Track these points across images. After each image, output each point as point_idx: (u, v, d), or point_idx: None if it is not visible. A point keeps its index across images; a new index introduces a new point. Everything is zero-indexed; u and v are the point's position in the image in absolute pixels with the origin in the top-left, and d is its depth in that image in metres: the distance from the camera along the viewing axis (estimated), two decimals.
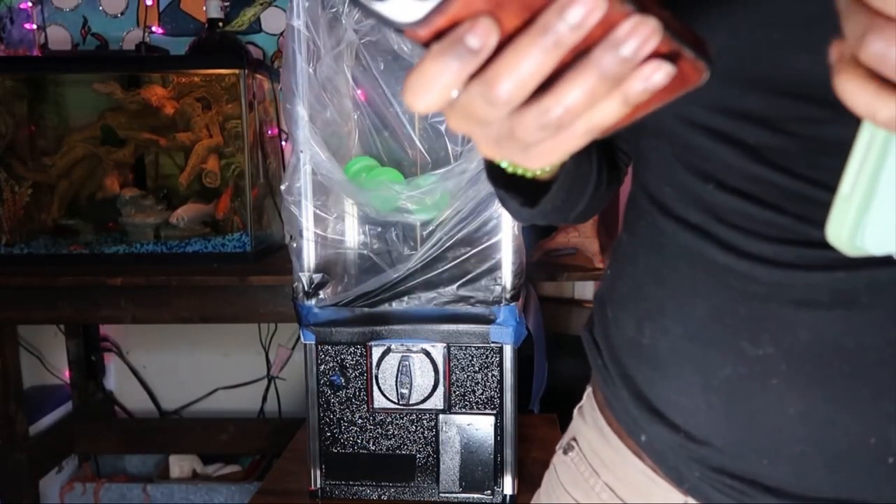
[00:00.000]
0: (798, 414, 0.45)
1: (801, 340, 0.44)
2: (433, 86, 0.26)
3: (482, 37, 0.25)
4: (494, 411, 1.14)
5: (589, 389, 0.64)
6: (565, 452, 0.64)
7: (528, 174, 0.41)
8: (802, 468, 0.46)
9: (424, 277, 1.10)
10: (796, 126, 0.43)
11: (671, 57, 0.26)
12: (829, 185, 0.43)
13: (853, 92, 0.26)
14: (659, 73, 0.26)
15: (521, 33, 0.26)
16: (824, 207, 0.43)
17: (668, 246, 0.51)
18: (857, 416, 0.44)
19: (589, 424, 0.62)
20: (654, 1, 0.26)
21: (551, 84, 0.27)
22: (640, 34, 0.25)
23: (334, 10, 1.09)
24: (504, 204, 0.54)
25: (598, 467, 0.60)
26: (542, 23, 0.25)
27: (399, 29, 0.26)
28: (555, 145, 0.29)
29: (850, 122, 0.42)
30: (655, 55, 0.26)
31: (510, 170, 0.40)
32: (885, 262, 0.43)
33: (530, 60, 0.25)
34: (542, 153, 0.29)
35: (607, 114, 0.27)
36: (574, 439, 0.64)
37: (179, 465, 2.00)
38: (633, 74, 0.26)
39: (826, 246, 0.44)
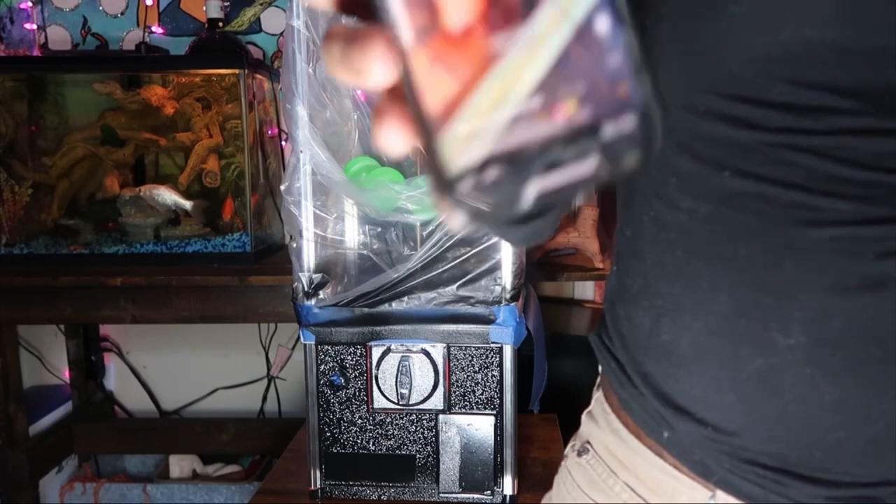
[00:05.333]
0: (833, 401, 0.45)
1: (834, 328, 0.44)
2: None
3: None
4: (494, 411, 1.14)
5: (598, 394, 0.63)
6: (579, 455, 0.63)
7: None
8: (838, 454, 0.46)
9: (424, 277, 1.10)
10: (822, 115, 0.43)
11: None
12: (859, 164, 0.42)
13: None
14: None
15: None
16: (855, 185, 0.42)
17: (677, 241, 0.50)
18: (891, 399, 0.44)
19: (602, 427, 0.61)
20: None
21: None
22: None
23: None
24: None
25: (617, 468, 0.59)
26: None
27: None
28: None
29: (873, 113, 0.42)
30: None
31: None
32: None
33: None
34: None
35: None
36: (588, 443, 0.62)
37: (179, 465, 2.00)
38: None
39: (857, 223, 0.43)
